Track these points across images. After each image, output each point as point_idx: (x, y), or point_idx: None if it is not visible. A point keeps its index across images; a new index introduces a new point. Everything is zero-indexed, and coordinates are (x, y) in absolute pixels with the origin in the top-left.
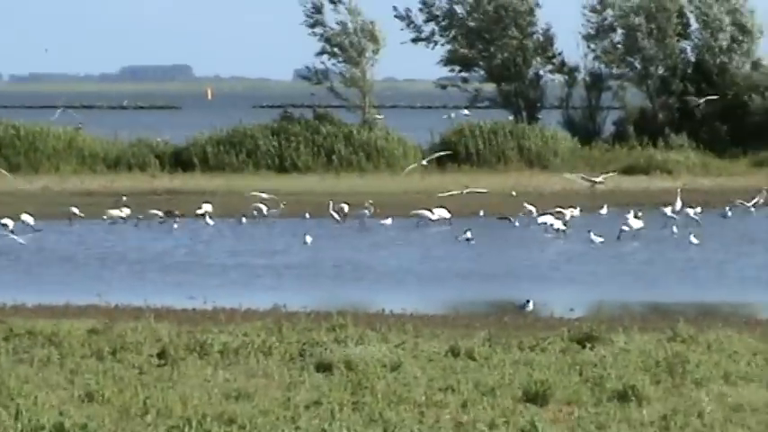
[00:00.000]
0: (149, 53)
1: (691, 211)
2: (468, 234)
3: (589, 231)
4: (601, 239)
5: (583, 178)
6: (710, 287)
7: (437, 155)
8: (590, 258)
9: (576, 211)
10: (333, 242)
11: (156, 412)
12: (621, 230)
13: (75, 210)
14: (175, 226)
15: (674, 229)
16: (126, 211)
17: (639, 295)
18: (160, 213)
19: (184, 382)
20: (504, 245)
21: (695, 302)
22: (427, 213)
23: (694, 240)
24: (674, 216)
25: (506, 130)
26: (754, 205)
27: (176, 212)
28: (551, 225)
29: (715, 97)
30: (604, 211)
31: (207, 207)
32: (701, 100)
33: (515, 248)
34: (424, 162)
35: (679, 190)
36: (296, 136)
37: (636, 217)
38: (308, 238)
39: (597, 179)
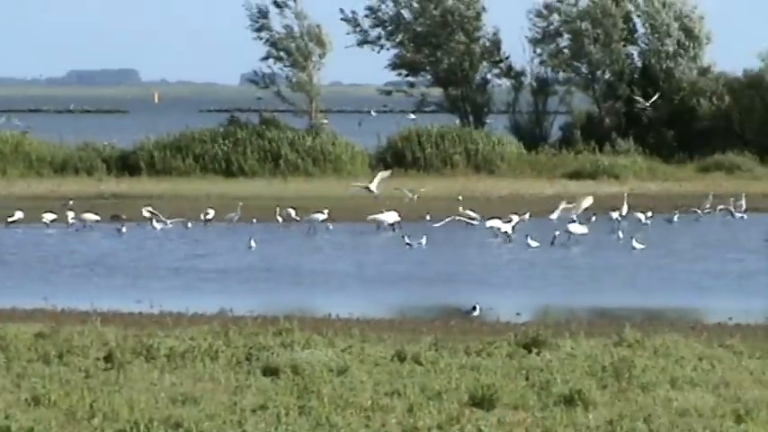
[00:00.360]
0: (96, 57)
1: (642, 216)
2: (423, 240)
3: (526, 236)
4: (536, 244)
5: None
6: (653, 292)
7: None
8: (536, 263)
9: (526, 216)
10: (279, 247)
11: (102, 416)
12: (554, 236)
13: (20, 213)
14: (123, 230)
15: (620, 234)
16: (71, 215)
17: (585, 300)
18: (96, 218)
19: (131, 385)
20: (451, 249)
21: (641, 307)
22: (383, 217)
23: (637, 245)
24: (619, 219)
25: (453, 135)
26: (705, 210)
27: (123, 216)
28: (499, 229)
29: (657, 96)
30: (555, 216)
31: (147, 211)
32: (648, 103)
33: (462, 253)
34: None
35: (626, 195)
36: (243, 140)
37: (587, 221)
38: (253, 243)
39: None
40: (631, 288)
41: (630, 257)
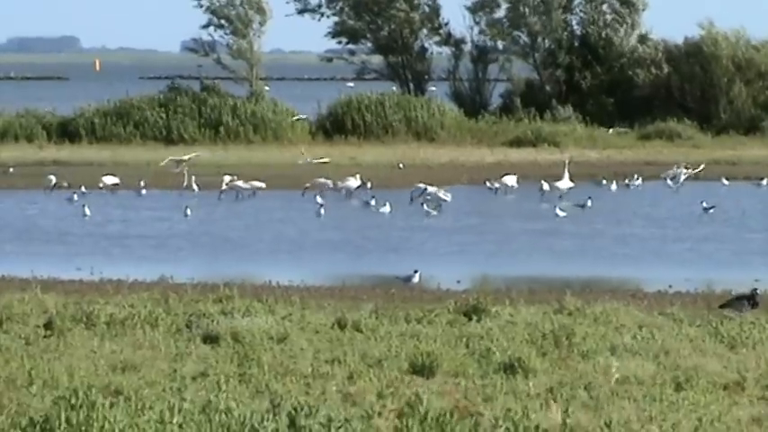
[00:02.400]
0: (36, 24)
1: (566, 184)
2: (386, 207)
3: (422, 204)
4: (434, 212)
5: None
6: (576, 259)
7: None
8: (467, 232)
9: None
10: (217, 214)
11: (42, 383)
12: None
13: None
14: (75, 198)
15: (589, 202)
16: None
17: (523, 268)
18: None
19: (71, 353)
20: (391, 217)
21: (581, 275)
22: (352, 180)
23: (560, 212)
24: (545, 190)
25: (393, 102)
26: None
27: (63, 184)
28: (436, 197)
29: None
30: (498, 184)
31: (52, 178)
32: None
33: (402, 221)
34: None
35: (567, 162)
36: (182, 108)
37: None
38: (189, 211)
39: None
40: (558, 255)
41: (557, 225)
